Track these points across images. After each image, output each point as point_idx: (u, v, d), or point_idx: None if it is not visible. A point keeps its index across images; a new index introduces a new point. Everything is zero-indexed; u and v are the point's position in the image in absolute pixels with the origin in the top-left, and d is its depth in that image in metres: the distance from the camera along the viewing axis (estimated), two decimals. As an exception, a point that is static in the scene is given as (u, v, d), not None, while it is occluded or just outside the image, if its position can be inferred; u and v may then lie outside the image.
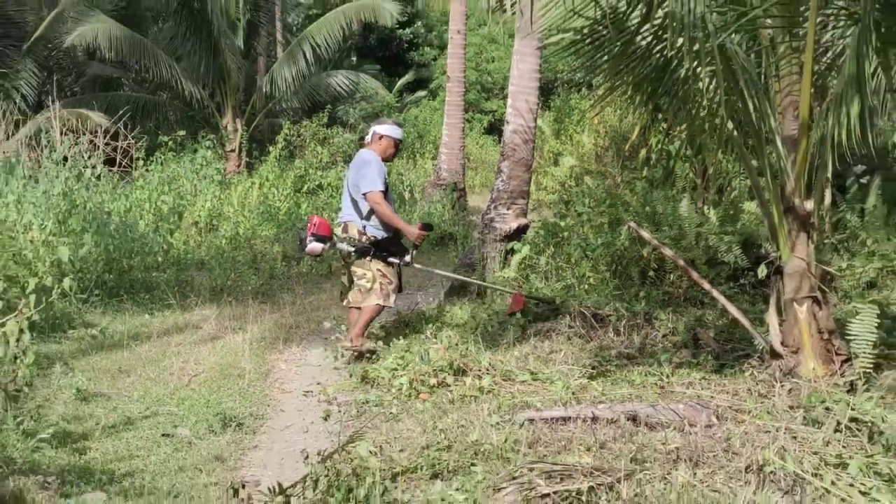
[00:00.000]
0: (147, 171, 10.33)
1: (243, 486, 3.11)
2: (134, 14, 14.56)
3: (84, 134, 9.62)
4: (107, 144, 10.08)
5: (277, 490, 3.06)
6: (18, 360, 3.29)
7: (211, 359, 5.25)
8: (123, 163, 10.40)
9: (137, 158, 10.42)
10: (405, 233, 5.21)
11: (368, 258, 5.03)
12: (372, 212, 5.03)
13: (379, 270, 5.06)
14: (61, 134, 9.43)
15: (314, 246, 5.03)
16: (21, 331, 3.20)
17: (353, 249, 5.03)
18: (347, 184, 5.15)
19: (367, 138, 5.25)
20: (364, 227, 5.06)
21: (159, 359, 5.32)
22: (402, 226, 5.20)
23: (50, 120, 10.33)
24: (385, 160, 5.19)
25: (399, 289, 5.34)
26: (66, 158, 8.59)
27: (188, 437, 3.86)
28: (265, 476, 3.52)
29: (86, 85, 14.99)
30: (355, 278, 5.12)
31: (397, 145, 5.32)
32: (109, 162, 9.84)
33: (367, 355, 5.09)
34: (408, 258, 5.32)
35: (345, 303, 5.30)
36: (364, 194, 4.96)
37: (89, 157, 8.94)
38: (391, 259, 5.13)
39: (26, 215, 6.42)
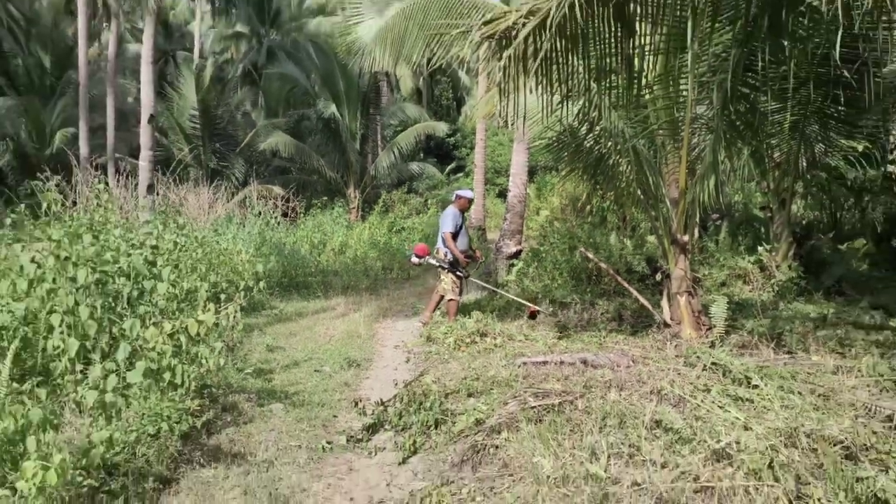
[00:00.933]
0: (305, 220, 15.67)
1: (360, 400, 4.75)
2: (298, 130, 21.32)
3: (270, 199, 14.79)
4: (283, 205, 15.66)
5: (380, 402, 4.61)
6: (234, 328, 5.01)
7: (341, 327, 7.48)
8: (292, 215, 15.83)
9: (300, 213, 16.01)
10: (458, 257, 7.59)
11: (446, 270, 7.44)
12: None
13: (452, 279, 7.44)
14: (257, 199, 14.25)
15: (413, 259, 7.66)
16: (236, 311, 4.67)
17: (438, 265, 7.49)
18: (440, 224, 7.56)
19: (456, 196, 7.63)
20: (446, 252, 7.47)
21: (312, 326, 7.56)
22: (457, 253, 7.56)
23: (251, 191, 16.65)
24: (462, 211, 7.65)
25: (461, 291, 7.82)
26: (260, 213, 13.14)
27: (329, 372, 5.70)
28: (373, 395, 5.02)
29: (271, 171, 22.01)
30: (440, 281, 7.53)
31: (470, 201, 7.82)
32: (284, 215, 14.78)
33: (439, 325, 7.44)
34: (467, 273, 7.85)
35: (435, 292, 7.69)
36: (442, 233, 7.44)
37: (273, 213, 13.75)
38: (458, 272, 7.53)
39: (238, 245, 9.21)
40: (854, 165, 8.71)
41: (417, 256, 7.68)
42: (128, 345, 3.80)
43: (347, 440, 4.22)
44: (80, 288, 4.34)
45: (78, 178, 9.90)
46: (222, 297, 5.72)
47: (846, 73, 5.50)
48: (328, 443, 4.18)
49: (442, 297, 7.60)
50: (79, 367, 3.98)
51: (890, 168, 9.51)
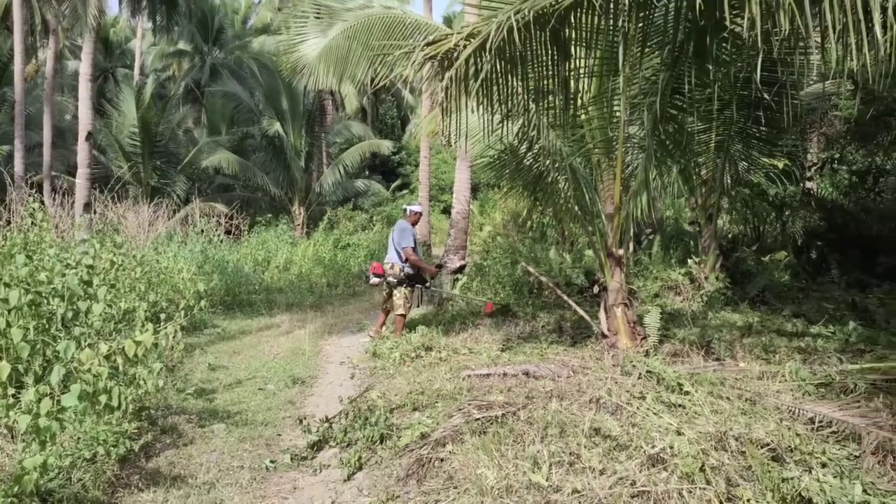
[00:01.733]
0: (249, 237, 15.60)
1: (305, 417, 4.69)
2: (242, 148, 21.62)
3: (213, 217, 14.65)
4: (226, 222, 15.53)
5: (325, 419, 4.56)
6: (174, 348, 4.93)
7: (286, 344, 7.43)
8: (235, 233, 15.78)
9: (244, 230, 15.95)
10: (425, 271, 7.75)
11: (404, 285, 7.45)
12: (407, 258, 7.46)
13: (405, 294, 7.45)
14: (200, 217, 14.31)
15: (375, 280, 7.58)
16: (175, 331, 4.53)
17: (395, 281, 7.43)
18: (393, 240, 7.56)
19: (408, 211, 7.69)
20: (402, 267, 7.45)
21: (256, 344, 7.49)
22: (424, 266, 7.74)
23: (193, 209, 16.84)
24: (413, 224, 7.68)
25: (417, 304, 8.10)
26: (202, 230, 13.05)
27: (273, 390, 5.65)
28: (318, 412, 4.99)
29: (214, 189, 22.35)
30: (392, 297, 7.49)
31: (419, 216, 7.89)
32: (228, 232, 14.64)
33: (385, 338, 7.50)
34: (427, 284, 8.00)
35: (383, 308, 7.72)
36: (403, 248, 7.40)
37: (216, 230, 13.83)
38: (417, 285, 7.64)
39: (179, 263, 8.91)
40: (775, 182, 9.21)
41: (377, 276, 7.57)
42: (62, 367, 3.68)
43: (292, 458, 4.20)
44: (13, 309, 4.20)
45: (12, 197, 9.56)
46: (162, 316, 5.61)
47: (766, 96, 5.83)
48: (272, 462, 4.15)
49: (389, 312, 7.63)
50: (11, 390, 3.85)
51: (808, 184, 10.11)
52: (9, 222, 9.18)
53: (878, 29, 3.10)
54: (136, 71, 28.72)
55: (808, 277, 9.09)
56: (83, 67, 14.70)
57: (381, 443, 4.22)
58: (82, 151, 14.42)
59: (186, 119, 27.13)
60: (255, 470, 4.04)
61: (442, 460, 3.79)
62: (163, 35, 24.75)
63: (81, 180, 14.25)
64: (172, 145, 21.16)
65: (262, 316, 9.69)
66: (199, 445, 4.39)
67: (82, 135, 14.48)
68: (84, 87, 14.55)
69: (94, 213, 12.95)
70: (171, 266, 8.71)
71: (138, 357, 3.93)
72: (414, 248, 7.57)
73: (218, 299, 9.98)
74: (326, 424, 4.55)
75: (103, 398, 3.73)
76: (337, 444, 4.37)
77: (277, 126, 19.70)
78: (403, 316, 7.52)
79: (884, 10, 3.10)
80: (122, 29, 36.10)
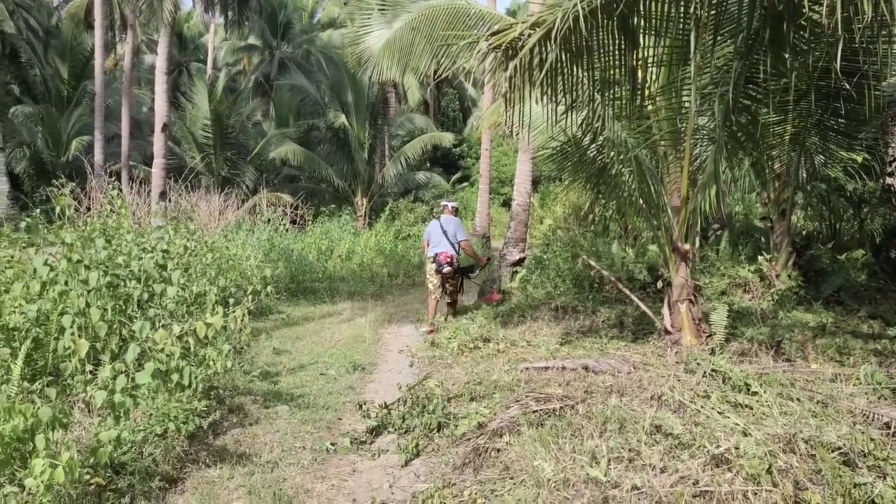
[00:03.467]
0: (313, 227, 15.93)
1: (364, 403, 4.82)
2: (308, 140, 21.80)
3: (279, 207, 15.37)
4: (292, 212, 16.12)
5: (384, 405, 4.68)
6: (241, 331, 5.11)
7: (347, 331, 7.63)
8: (300, 222, 16.31)
9: (308, 220, 16.52)
10: (478, 261, 8.38)
11: (457, 274, 8.06)
12: (461, 249, 8.01)
13: (455, 283, 8.08)
14: (266, 206, 15.08)
15: (445, 269, 7.91)
16: (243, 315, 4.61)
17: (452, 269, 7.90)
18: (447, 232, 7.97)
19: (450, 207, 8.22)
20: (457, 257, 7.96)
21: (319, 331, 7.72)
22: (479, 259, 8.42)
23: (261, 199, 17.66)
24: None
25: (463, 291, 8.65)
26: (269, 220, 13.59)
27: (334, 375, 5.79)
28: (377, 398, 5.10)
29: (281, 180, 22.78)
30: (448, 286, 8.05)
31: (458, 211, 8.39)
32: (293, 222, 15.21)
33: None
34: (474, 275, 8.62)
35: (435, 295, 8.04)
36: (460, 241, 7.91)
37: (282, 220, 14.23)
38: (467, 275, 8.29)
39: (247, 250, 9.45)
40: (853, 177, 8.75)
41: (449, 265, 7.89)
42: (137, 346, 3.88)
43: (351, 442, 4.29)
44: (92, 290, 4.43)
45: (92, 185, 10.08)
46: (231, 300, 5.81)
47: (846, 86, 5.54)
48: (332, 444, 4.25)
49: (453, 301, 8.23)
50: (89, 367, 4.07)
51: (889, 180, 9.54)
52: (89, 209, 9.68)
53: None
54: (209, 65, 29.75)
55: (886, 277, 8.62)
56: (159, 61, 15.31)
57: (439, 431, 4.27)
58: (158, 142, 15.05)
59: (256, 112, 27.97)
60: (317, 451, 4.15)
61: (498, 450, 3.80)
62: (234, 30, 25.53)
63: (157, 170, 14.89)
64: (242, 137, 21.83)
65: (325, 303, 9.89)
66: (264, 425, 4.53)
67: (158, 126, 15.11)
68: (160, 81, 15.17)
69: (169, 201, 13.54)
70: (239, 253, 9.02)
71: (208, 338, 4.10)
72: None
73: (283, 286, 10.24)
74: (385, 410, 4.63)
75: (175, 377, 3.90)
76: (395, 430, 4.44)
77: (342, 118, 20.04)
78: (455, 303, 8.16)
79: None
80: (196, 24, 37.43)
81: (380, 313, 9.06)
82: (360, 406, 4.78)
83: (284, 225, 13.97)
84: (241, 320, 4.74)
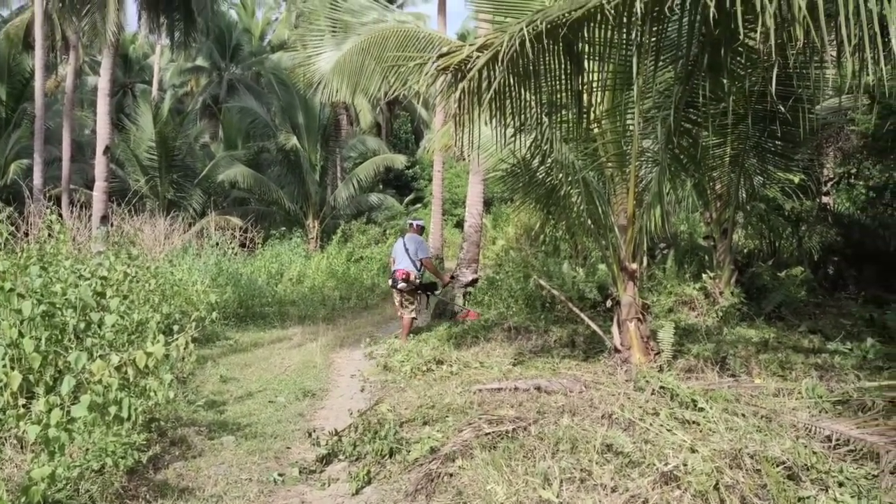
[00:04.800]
0: (263, 250, 15.70)
1: (314, 431, 4.65)
2: (258, 162, 21.70)
3: (228, 230, 15.00)
4: (241, 236, 15.75)
5: (334, 432, 4.53)
6: (185, 360, 4.95)
7: (297, 357, 7.46)
8: (250, 246, 15.97)
9: (258, 243, 16.10)
10: (440, 279, 8.58)
11: (417, 291, 8.18)
12: (423, 266, 8.13)
13: (418, 299, 8.15)
14: (215, 230, 14.69)
15: (402, 285, 8.04)
16: (186, 342, 4.53)
17: (410, 287, 8.02)
18: (408, 251, 8.15)
19: (415, 225, 8.38)
20: (417, 275, 8.07)
21: (268, 357, 7.52)
22: (442, 277, 8.59)
23: (209, 222, 17.23)
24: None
25: (422, 310, 8.74)
26: (217, 243, 13.17)
27: (284, 403, 5.64)
28: (328, 425, 4.94)
29: (230, 202, 22.64)
30: (405, 302, 8.14)
31: (422, 228, 8.56)
32: (242, 245, 14.93)
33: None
34: (437, 292, 8.78)
35: (399, 313, 8.26)
36: (421, 259, 8.06)
37: (230, 243, 13.86)
38: (428, 292, 8.44)
39: (193, 275, 9.21)
40: (791, 197, 9.12)
41: (404, 281, 8.04)
42: (73, 378, 3.70)
43: (300, 472, 4.17)
44: (25, 320, 4.23)
45: (31, 210, 9.68)
46: (175, 328, 5.61)
47: (782, 109, 5.77)
48: (280, 475, 4.13)
49: (411, 318, 8.28)
50: (21, 401, 3.86)
51: (824, 199, 10.00)
52: (27, 234, 9.29)
53: (894, 43, 3.05)
54: (155, 86, 29.19)
55: (824, 293, 8.97)
56: (101, 83, 14.94)
57: (391, 457, 4.18)
58: (100, 165, 14.63)
59: (203, 134, 27.51)
60: (264, 483, 4.02)
61: (451, 475, 3.76)
62: (180, 52, 25.13)
63: (98, 193, 14.45)
64: (189, 159, 21.45)
65: (275, 328, 9.71)
66: (208, 457, 4.38)
67: (100, 148, 14.70)
68: (102, 102, 14.78)
69: (111, 225, 13.11)
70: (185, 278, 8.79)
71: (149, 368, 3.95)
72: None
73: (231, 311, 10.03)
74: (336, 437, 4.52)
75: (113, 409, 3.73)
76: (346, 457, 4.33)
77: (294, 140, 19.86)
78: (414, 319, 8.20)
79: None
80: (141, 45, 36.71)
81: (331, 337, 8.93)
82: (310, 434, 4.65)
83: (233, 248, 13.73)
84: (185, 348, 4.62)
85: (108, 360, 3.87)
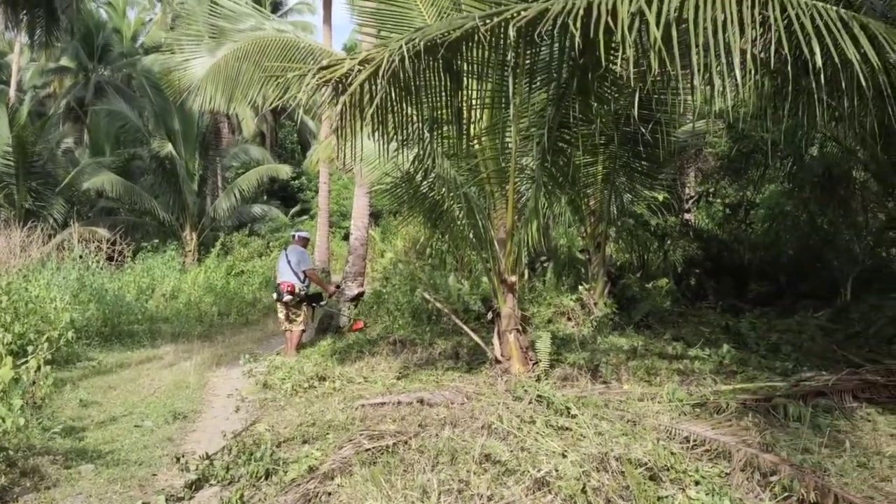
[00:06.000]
0: (133, 264, 14.74)
1: (182, 456, 4.44)
2: (128, 170, 20.08)
3: (93, 242, 13.64)
4: (108, 248, 14.52)
5: (205, 456, 4.33)
6: (37, 383, 4.52)
7: (169, 377, 6.95)
8: (118, 259, 14.85)
9: (128, 256, 15.11)
10: (325, 289, 8.42)
11: (304, 304, 8.00)
12: (307, 278, 7.98)
13: (304, 311, 8.00)
14: (78, 242, 13.44)
15: (287, 298, 7.90)
16: (39, 365, 4.28)
17: (296, 300, 7.90)
18: (290, 263, 8.02)
19: (297, 237, 8.30)
20: (302, 287, 7.93)
21: (135, 378, 6.99)
22: (326, 287, 8.47)
23: (71, 234, 15.60)
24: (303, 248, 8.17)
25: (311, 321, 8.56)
26: (80, 256, 12.05)
27: (151, 427, 5.27)
28: (199, 448, 4.67)
29: (96, 213, 20.69)
30: (292, 315, 7.98)
31: (307, 241, 8.49)
32: (110, 259, 13.74)
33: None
34: (323, 303, 8.67)
35: (283, 328, 8.11)
36: (304, 271, 7.95)
37: (95, 256, 12.42)
38: (314, 304, 8.22)
39: (52, 291, 8.34)
40: (656, 213, 9.82)
41: (289, 293, 7.94)
42: None
43: (167, 500, 3.92)
44: None
45: None
46: (30, 349, 5.14)
47: (644, 132, 6.18)
48: (144, 504, 3.87)
49: (300, 331, 8.14)
50: None
51: (686, 216, 10.82)
52: None
53: (738, 73, 3.36)
54: (13, 87, 26.75)
55: (687, 303, 9.68)
56: (-52, 80, 13.52)
57: (267, 478, 4.04)
58: (-56, 170, 13.19)
59: (67, 138, 25.51)
60: (125, 514, 3.75)
61: (330, 494, 3.68)
62: (42, 51, 23.25)
63: (-58, 202, 13.01)
64: (50, 166, 19.61)
65: (144, 347, 9.14)
66: (64, 488, 4.05)
67: (-55, 152, 13.26)
68: (-52, 101, 13.37)
69: (-43, 236, 11.82)
70: (42, 294, 8.05)
71: (-6, 394, 3.59)
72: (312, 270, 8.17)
73: (94, 330, 9.30)
74: (207, 461, 4.31)
75: (-51, 440, 3.35)
76: (218, 482, 4.14)
77: (169, 147, 18.79)
78: (303, 331, 8.10)
79: (744, 54, 3.36)
80: (-2, 42, 33.67)
81: (207, 355, 8.49)
82: (178, 459, 4.41)
83: (99, 262, 12.75)
84: (38, 371, 4.28)
85: (-57, 386, 3.48)
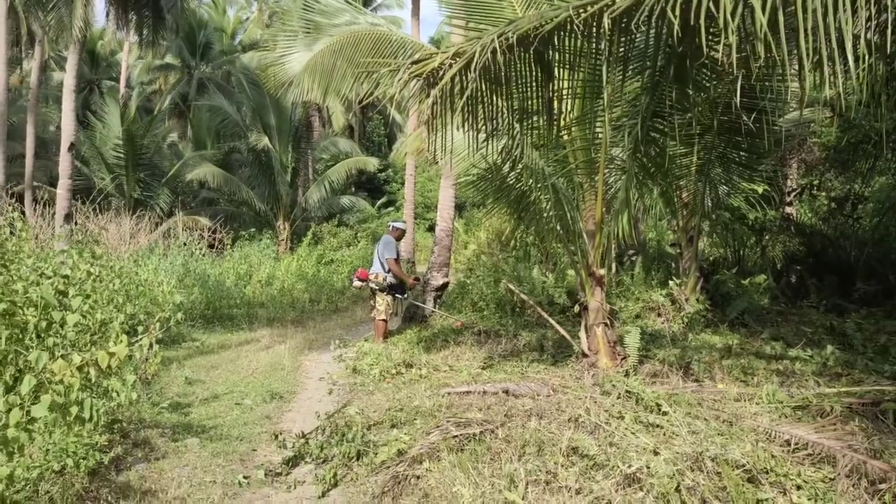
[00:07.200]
0: (232, 251, 15.54)
1: (280, 433, 4.67)
2: (228, 162, 21.36)
3: (196, 231, 14.76)
4: (209, 236, 15.59)
5: (301, 434, 4.55)
6: (148, 360, 4.85)
7: (265, 359, 7.36)
8: (218, 247, 15.84)
9: (227, 244, 16.07)
10: (405, 280, 8.31)
11: (385, 293, 7.97)
12: (390, 269, 7.99)
13: (387, 301, 8.00)
14: (182, 230, 14.61)
15: (356, 283, 8.13)
16: (151, 343, 4.45)
17: (377, 288, 7.95)
18: (378, 252, 8.10)
19: (391, 227, 8.25)
20: (385, 276, 7.94)
21: (235, 359, 7.39)
22: (405, 278, 8.34)
23: (176, 222, 17.26)
24: (397, 240, 8.22)
25: (396, 313, 8.63)
26: (185, 244, 12.96)
27: (250, 405, 5.57)
28: (295, 427, 4.98)
29: (198, 203, 22.52)
30: (376, 304, 8.01)
31: (403, 232, 8.50)
32: (211, 246, 14.61)
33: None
34: (407, 295, 8.59)
35: (372, 314, 8.19)
36: (386, 258, 7.93)
37: (199, 244, 13.70)
38: (397, 295, 8.20)
39: (159, 276, 9.04)
40: (755, 206, 9.36)
41: (359, 280, 8.11)
42: (33, 377, 3.62)
43: (266, 474, 4.14)
44: (-17, 319, 4.12)
45: (-8, 207, 9.44)
46: (140, 328, 5.53)
47: (746, 121, 5.90)
48: (245, 477, 4.09)
49: (381, 320, 8.12)
50: (-21, 401, 3.75)
51: (787, 209, 10.25)
52: (-13, 232, 9.04)
53: (850, 58, 3.16)
54: (122, 83, 28.66)
55: (787, 301, 9.20)
56: (67, 79, 14.64)
57: (358, 459, 4.18)
58: (64, 162, 14.32)
59: (172, 132, 27.08)
60: (228, 485, 3.98)
61: (418, 478, 3.77)
62: (149, 49, 24.76)
63: (62, 191, 14.14)
64: (157, 158, 21.07)
65: (243, 330, 9.59)
66: (172, 460, 4.31)
67: (65, 146, 14.40)
68: (68, 99, 14.49)
69: (75, 223, 12.83)
70: (150, 278, 8.63)
71: (112, 369, 3.87)
72: (396, 260, 8.08)
73: (198, 313, 9.87)
74: (302, 440, 4.49)
75: (74, 409, 3.66)
76: (313, 460, 4.31)
77: (265, 141, 19.67)
78: (385, 321, 8.03)
79: (856, 38, 3.16)
80: (109, 42, 36.04)
81: (300, 340, 8.85)
82: (276, 436, 4.62)
83: (201, 249, 13.50)
84: (149, 349, 4.54)
85: (69, 359, 3.78)
